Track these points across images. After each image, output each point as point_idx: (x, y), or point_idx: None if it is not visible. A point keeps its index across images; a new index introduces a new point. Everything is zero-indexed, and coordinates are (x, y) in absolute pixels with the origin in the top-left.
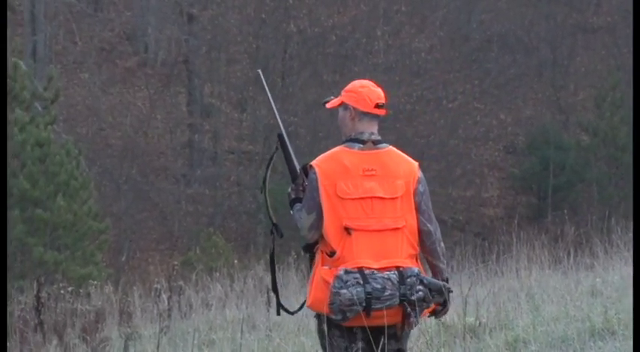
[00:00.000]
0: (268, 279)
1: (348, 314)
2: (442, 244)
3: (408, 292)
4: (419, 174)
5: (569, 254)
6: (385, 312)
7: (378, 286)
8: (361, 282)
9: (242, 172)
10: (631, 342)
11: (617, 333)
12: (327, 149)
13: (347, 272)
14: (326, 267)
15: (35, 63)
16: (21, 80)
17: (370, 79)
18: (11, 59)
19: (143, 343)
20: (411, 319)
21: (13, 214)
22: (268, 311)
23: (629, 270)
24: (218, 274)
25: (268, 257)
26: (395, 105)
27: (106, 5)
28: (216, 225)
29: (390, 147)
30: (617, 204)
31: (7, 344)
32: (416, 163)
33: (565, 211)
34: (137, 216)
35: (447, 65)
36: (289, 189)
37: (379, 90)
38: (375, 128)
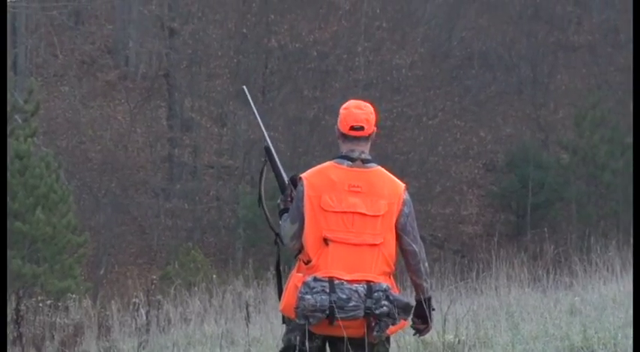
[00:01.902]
0: (247, 294)
1: (311, 320)
2: (426, 264)
3: (374, 306)
4: (404, 196)
5: (548, 272)
6: (349, 323)
7: (344, 296)
8: (327, 291)
9: (221, 187)
10: None
11: None
12: (307, 164)
13: (316, 279)
14: (300, 274)
15: (16, 75)
16: None
17: (351, 96)
18: None
19: None
20: (375, 332)
21: None
22: (247, 326)
23: (607, 289)
24: (197, 289)
25: (274, 267)
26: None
27: (87, 18)
28: (195, 240)
29: (379, 167)
30: (596, 223)
31: None
32: (403, 185)
33: (545, 229)
34: (116, 230)
35: (427, 82)
36: (279, 200)
37: (359, 112)
38: (365, 148)
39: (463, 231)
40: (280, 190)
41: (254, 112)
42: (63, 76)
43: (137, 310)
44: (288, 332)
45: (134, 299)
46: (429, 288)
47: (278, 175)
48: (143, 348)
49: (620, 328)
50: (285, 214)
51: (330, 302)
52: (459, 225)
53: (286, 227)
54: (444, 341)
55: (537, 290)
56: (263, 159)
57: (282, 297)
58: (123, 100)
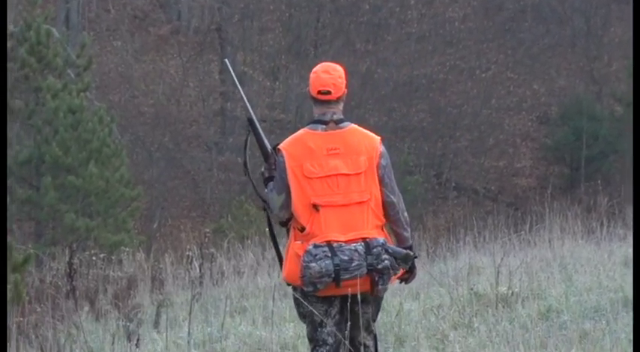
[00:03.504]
0: None
1: (318, 286)
2: (405, 214)
3: (375, 261)
4: (381, 148)
5: (602, 224)
6: (354, 282)
7: (346, 258)
8: (329, 255)
9: (274, 140)
10: None
11: None
12: (360, 117)
13: (316, 246)
14: (298, 242)
15: (68, 30)
16: (54, 47)
17: (404, 48)
18: (43, 26)
19: (175, 310)
20: (379, 286)
21: (45, 181)
22: None
23: None
24: (250, 242)
25: (269, 234)
26: (428, 74)
27: None
28: (247, 193)
29: (352, 125)
30: None
31: (39, 309)
32: (378, 138)
33: (598, 182)
34: (169, 184)
35: (480, 35)
36: (262, 169)
37: (327, 77)
38: (336, 109)
39: (517, 183)
40: (264, 159)
41: (237, 86)
42: (115, 31)
43: (190, 263)
44: (301, 309)
45: (187, 253)
46: (410, 237)
47: (262, 145)
48: (196, 301)
49: None
50: (271, 183)
51: (335, 265)
52: (512, 178)
53: (274, 198)
54: (497, 293)
55: (591, 242)
56: (247, 130)
57: (283, 265)
58: (175, 55)
